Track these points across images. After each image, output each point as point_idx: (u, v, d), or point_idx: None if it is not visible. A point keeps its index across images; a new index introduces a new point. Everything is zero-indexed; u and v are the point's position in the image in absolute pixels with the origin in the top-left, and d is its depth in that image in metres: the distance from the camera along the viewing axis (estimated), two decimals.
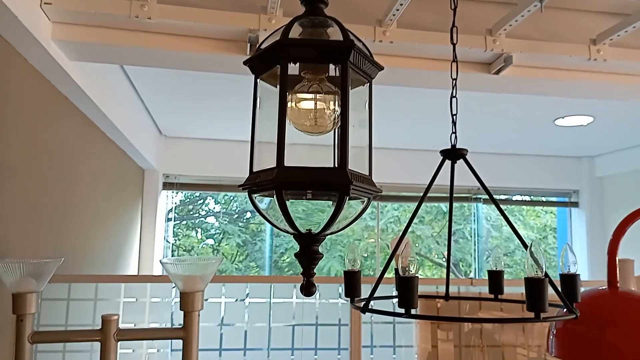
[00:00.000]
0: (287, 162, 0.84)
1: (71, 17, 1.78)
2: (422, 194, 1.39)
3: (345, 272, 1.37)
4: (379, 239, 5.83)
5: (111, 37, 1.85)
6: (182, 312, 1.72)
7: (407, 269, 1.13)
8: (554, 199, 5.44)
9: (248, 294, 2.02)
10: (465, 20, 2.00)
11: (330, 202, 0.83)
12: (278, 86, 0.76)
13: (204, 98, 3.31)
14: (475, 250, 6.03)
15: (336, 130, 0.84)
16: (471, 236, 6.49)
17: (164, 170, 4.12)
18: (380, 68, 0.84)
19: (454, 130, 1.36)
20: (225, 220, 9.16)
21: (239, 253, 9.32)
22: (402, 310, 1.12)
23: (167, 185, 4.15)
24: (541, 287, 1.08)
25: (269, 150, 0.78)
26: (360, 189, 0.76)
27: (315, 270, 0.84)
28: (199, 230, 9.42)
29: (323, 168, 0.75)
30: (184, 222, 9.50)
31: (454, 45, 1.38)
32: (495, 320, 1.29)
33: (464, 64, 2.09)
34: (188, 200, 9.26)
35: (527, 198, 5.70)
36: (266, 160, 0.79)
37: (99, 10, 1.73)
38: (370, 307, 1.12)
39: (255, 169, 0.81)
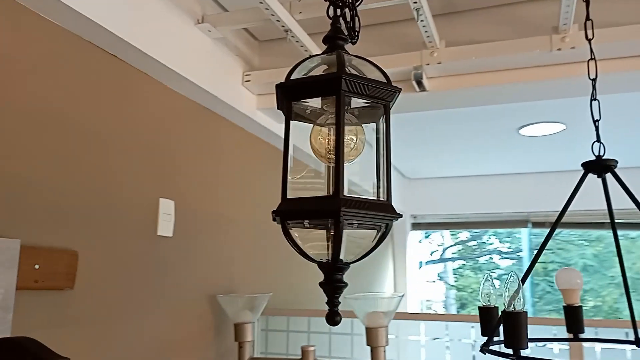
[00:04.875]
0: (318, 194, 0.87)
1: (270, 88, 2.10)
2: None
3: (480, 308, 1.25)
4: None
5: None
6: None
7: (512, 303, 0.99)
8: None
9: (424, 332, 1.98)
10: None
11: (375, 232, 0.83)
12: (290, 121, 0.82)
13: (438, 139, 3.35)
14: None
15: (358, 159, 0.83)
16: None
17: (411, 212, 4.26)
18: (397, 90, 0.81)
19: (598, 138, 1.14)
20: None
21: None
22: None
23: (415, 226, 4.26)
24: None
25: (299, 183, 0.84)
26: (359, 215, 0.75)
27: None
28: (481, 271, 9.13)
29: (320, 197, 0.77)
30: (469, 263, 9.36)
31: (589, 40, 1.18)
32: None
33: None
34: (469, 239, 9.10)
35: None
36: (299, 193, 0.84)
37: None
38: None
39: None
